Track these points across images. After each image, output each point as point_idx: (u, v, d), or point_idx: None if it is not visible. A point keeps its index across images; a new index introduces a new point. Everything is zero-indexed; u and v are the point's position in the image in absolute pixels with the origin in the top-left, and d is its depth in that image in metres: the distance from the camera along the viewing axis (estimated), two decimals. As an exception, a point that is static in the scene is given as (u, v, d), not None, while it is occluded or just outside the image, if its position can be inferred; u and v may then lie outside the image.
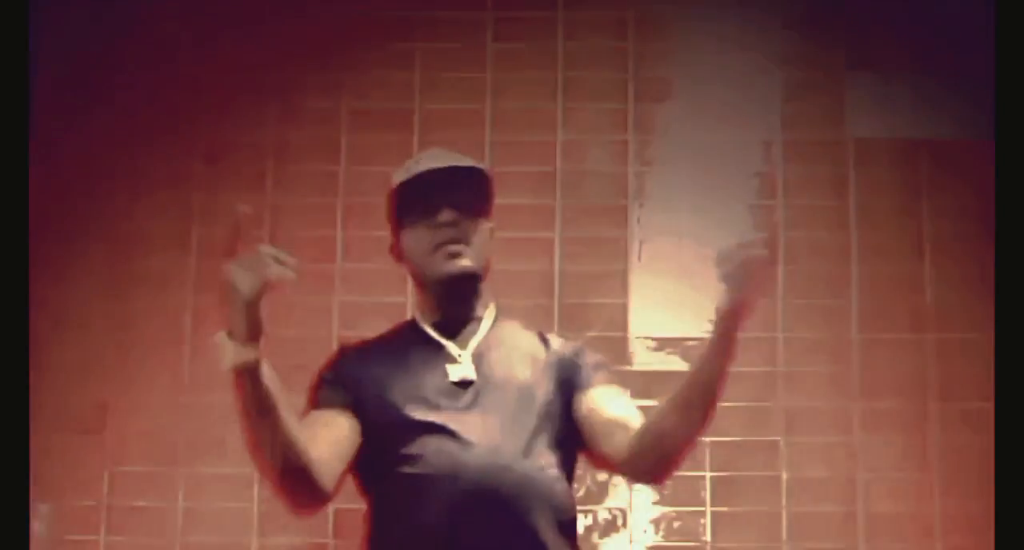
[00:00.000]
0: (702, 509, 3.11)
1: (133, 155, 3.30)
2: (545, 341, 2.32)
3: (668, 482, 3.07)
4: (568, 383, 2.23)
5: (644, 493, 3.13)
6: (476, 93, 3.33)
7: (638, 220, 3.27)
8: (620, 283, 3.24)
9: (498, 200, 2.36)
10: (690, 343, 3.16)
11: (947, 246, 3.25)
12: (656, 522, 3.12)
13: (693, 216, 3.25)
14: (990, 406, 2.83)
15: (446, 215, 2.21)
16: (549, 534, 2.09)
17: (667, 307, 3.22)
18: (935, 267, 3.24)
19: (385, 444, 2.13)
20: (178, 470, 3.13)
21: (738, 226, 3.24)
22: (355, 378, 2.21)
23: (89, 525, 3.11)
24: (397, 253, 2.33)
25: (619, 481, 3.09)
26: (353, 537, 3.06)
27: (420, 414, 2.13)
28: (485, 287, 2.31)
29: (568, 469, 2.22)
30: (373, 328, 2.46)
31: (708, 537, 3.10)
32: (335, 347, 2.40)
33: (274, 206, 3.27)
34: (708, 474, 3.12)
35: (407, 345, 2.28)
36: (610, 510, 3.14)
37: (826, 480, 3.14)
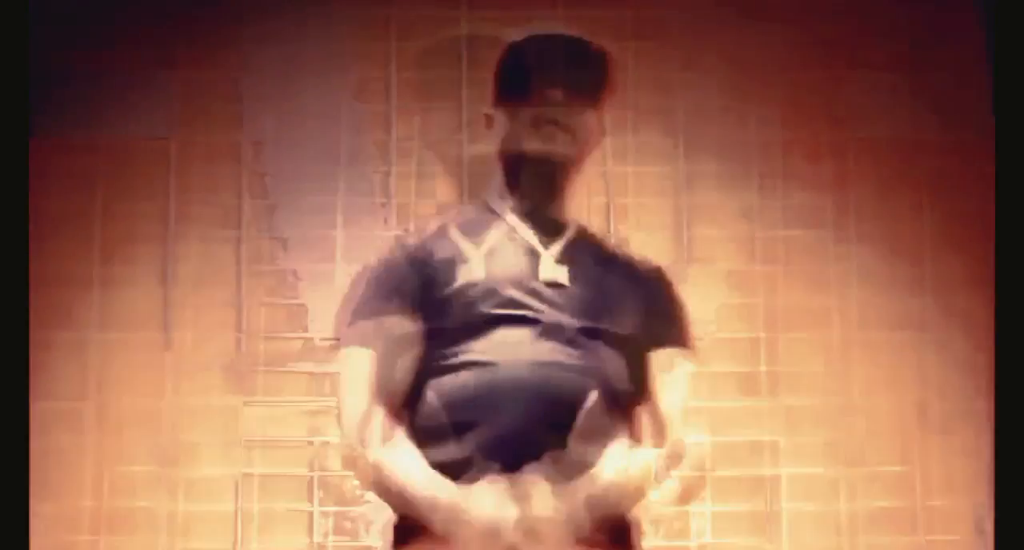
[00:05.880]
0: (701, 509, 3.11)
1: (131, 154, 3.30)
2: (632, 262, 2.21)
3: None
4: (648, 316, 2.13)
5: (643, 493, 3.12)
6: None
7: (638, 220, 3.27)
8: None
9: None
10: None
11: (947, 246, 3.25)
12: (656, 522, 3.12)
13: (693, 216, 3.25)
14: (990, 406, 2.84)
15: (555, 95, 2.03)
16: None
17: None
18: (935, 267, 3.25)
19: (453, 337, 2.02)
20: (178, 470, 3.13)
21: (739, 226, 3.26)
22: (422, 262, 2.09)
23: (89, 525, 3.11)
24: (490, 122, 2.17)
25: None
26: (351, 537, 3.09)
27: (492, 308, 2.00)
28: (575, 188, 2.15)
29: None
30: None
31: (708, 537, 3.10)
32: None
33: (274, 206, 3.27)
34: (707, 474, 3.12)
35: (483, 229, 2.11)
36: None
37: (824, 480, 3.14)
